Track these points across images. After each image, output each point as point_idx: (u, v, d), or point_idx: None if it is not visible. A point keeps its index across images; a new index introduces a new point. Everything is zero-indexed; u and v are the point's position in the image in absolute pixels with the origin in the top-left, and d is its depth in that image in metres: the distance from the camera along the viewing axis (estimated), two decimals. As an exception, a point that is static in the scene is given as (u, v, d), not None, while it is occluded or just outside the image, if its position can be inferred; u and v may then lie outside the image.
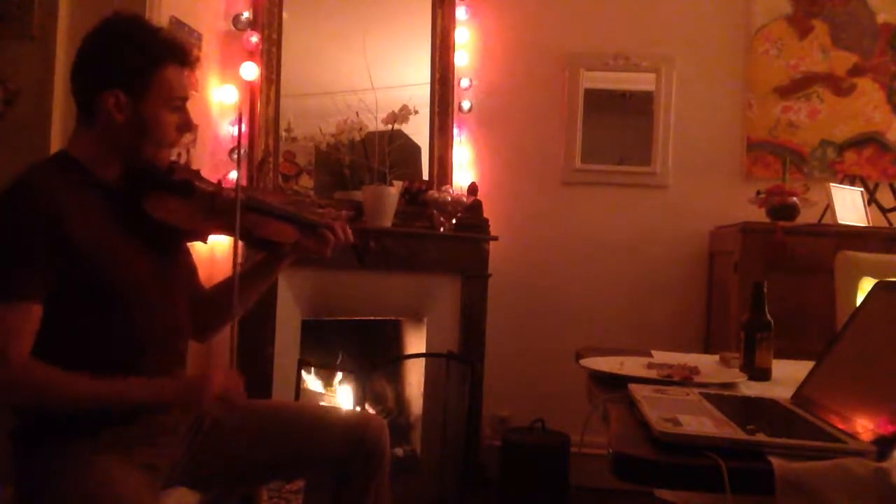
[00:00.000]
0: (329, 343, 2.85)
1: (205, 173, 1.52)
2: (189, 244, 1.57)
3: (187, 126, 1.41)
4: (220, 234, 1.50)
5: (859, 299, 1.89)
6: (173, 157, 1.51)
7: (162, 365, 1.39)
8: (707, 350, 2.92)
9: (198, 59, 1.43)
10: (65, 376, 1.21)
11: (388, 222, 2.67)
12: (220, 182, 1.51)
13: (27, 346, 1.20)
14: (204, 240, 1.48)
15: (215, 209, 1.43)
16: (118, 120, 1.32)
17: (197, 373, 1.45)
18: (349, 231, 1.58)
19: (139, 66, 1.32)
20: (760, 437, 0.94)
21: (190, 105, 1.42)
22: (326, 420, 1.60)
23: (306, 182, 2.82)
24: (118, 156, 1.36)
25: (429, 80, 3.11)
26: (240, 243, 1.43)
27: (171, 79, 1.35)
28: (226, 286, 1.62)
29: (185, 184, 1.41)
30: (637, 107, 3.31)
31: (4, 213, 1.23)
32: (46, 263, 1.22)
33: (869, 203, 3.02)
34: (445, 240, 2.86)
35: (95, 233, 1.28)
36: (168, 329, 1.41)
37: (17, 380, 1.19)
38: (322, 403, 2.82)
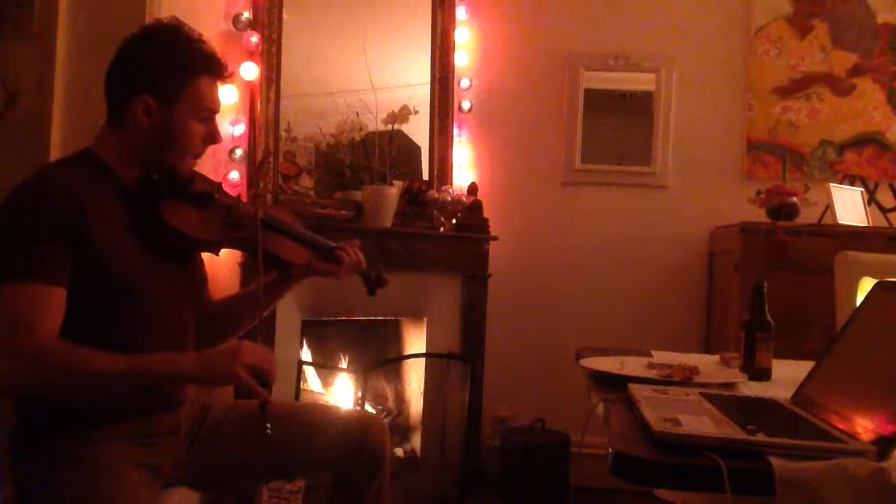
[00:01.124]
0: (329, 343, 2.85)
1: (204, 173, 1.52)
2: (202, 254, 1.56)
3: (213, 138, 1.42)
4: (233, 248, 1.50)
5: (859, 299, 1.89)
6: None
7: None
8: (707, 350, 2.92)
9: (232, 74, 1.43)
10: (91, 352, 1.20)
11: (388, 222, 2.67)
12: (238, 196, 1.51)
13: (55, 326, 1.20)
14: (216, 252, 1.48)
15: (231, 223, 1.43)
16: (146, 124, 1.33)
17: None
18: (361, 256, 1.59)
19: (173, 73, 1.34)
20: (760, 437, 0.94)
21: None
22: (327, 420, 1.60)
23: (306, 182, 2.82)
24: (142, 160, 1.37)
25: (429, 80, 3.11)
26: (248, 256, 1.42)
27: (203, 90, 1.36)
28: (234, 300, 1.63)
29: (204, 194, 1.41)
30: (637, 107, 3.31)
31: (28, 201, 1.24)
32: (67, 252, 1.22)
33: (869, 203, 3.02)
34: (445, 240, 2.86)
35: (110, 230, 1.28)
36: (172, 334, 1.41)
37: (47, 356, 1.18)
38: (322, 403, 2.82)
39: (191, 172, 1.43)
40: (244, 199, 1.75)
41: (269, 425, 1.30)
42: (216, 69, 1.39)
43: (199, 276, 1.55)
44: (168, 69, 1.33)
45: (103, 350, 1.21)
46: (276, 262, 1.49)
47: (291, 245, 1.51)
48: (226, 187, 1.62)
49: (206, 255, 1.55)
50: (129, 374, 1.22)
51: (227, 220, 1.43)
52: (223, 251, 1.52)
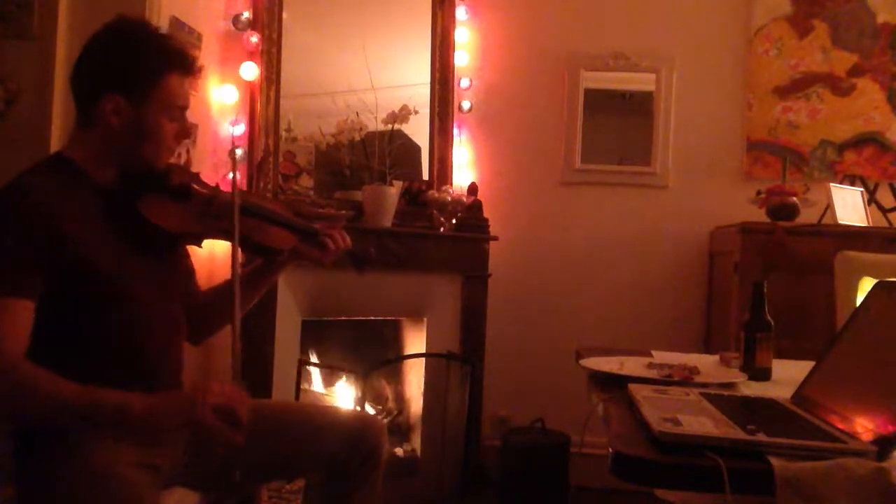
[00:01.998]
0: (329, 343, 2.85)
1: (205, 173, 1.52)
2: (187, 247, 1.56)
3: (185, 134, 1.41)
4: (216, 238, 1.49)
5: (859, 299, 1.89)
6: (172, 158, 1.50)
7: (160, 369, 1.38)
8: (707, 350, 2.92)
9: (201, 68, 1.42)
10: (56, 380, 1.17)
11: (388, 222, 2.67)
12: (217, 185, 1.50)
13: (22, 343, 1.19)
14: (199, 244, 1.47)
15: (211, 213, 1.41)
16: (116, 124, 1.31)
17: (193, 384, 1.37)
18: (347, 237, 1.57)
19: (143, 72, 1.32)
20: (760, 437, 0.94)
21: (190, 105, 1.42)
22: (326, 420, 1.60)
23: (306, 182, 2.82)
24: (115, 159, 1.35)
25: (429, 80, 3.11)
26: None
27: (174, 87, 1.34)
28: (222, 289, 1.61)
29: (182, 187, 1.40)
30: (637, 107, 3.31)
31: (0, 216, 1.22)
32: (40, 263, 1.21)
33: (869, 203, 3.02)
34: (445, 240, 2.86)
35: (90, 234, 1.28)
36: (163, 330, 1.40)
37: (9, 377, 1.17)
38: (322, 403, 2.82)
39: (166, 166, 1.41)
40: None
41: (238, 472, 1.26)
42: (186, 66, 1.36)
43: (185, 269, 1.54)
44: (137, 68, 1.31)
45: (66, 378, 1.18)
46: (260, 248, 1.48)
47: (275, 230, 1.49)
48: (224, 188, 1.61)
49: (204, 251, 1.55)
50: (77, 405, 1.18)
51: (207, 211, 1.41)
52: (221, 247, 1.51)
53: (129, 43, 1.33)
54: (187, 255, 1.56)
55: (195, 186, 1.43)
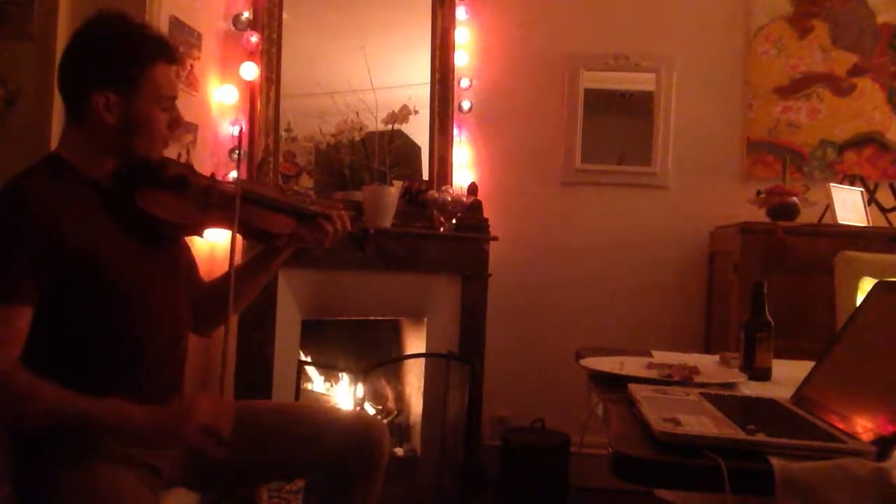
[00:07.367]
0: (329, 343, 2.85)
1: (205, 173, 1.52)
2: (188, 239, 1.56)
3: (177, 122, 1.40)
4: (217, 227, 1.49)
5: (859, 299, 1.89)
6: (171, 157, 1.50)
7: (164, 361, 1.39)
8: (707, 350, 2.92)
9: (183, 55, 1.41)
10: (48, 388, 1.17)
11: (388, 222, 2.67)
12: (213, 175, 1.50)
13: (16, 350, 1.19)
14: (200, 234, 1.47)
15: (210, 203, 1.42)
16: (109, 121, 1.31)
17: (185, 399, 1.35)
18: (346, 220, 1.57)
19: (129, 65, 1.31)
20: (760, 437, 0.94)
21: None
22: (327, 421, 1.60)
23: (306, 182, 2.82)
24: (110, 155, 1.35)
25: (429, 80, 3.11)
26: (239, 236, 1.41)
27: (160, 77, 1.34)
28: (225, 280, 1.62)
29: (179, 178, 1.40)
30: (637, 107, 3.31)
31: None
32: (38, 268, 1.20)
33: (869, 203, 3.02)
34: (445, 240, 2.86)
35: (91, 232, 1.28)
36: (169, 324, 1.41)
37: (4, 386, 1.17)
38: (323, 404, 2.82)
39: (161, 158, 1.41)
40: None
41: (223, 448, 1.26)
42: (169, 54, 1.36)
43: (187, 260, 1.55)
44: (124, 60, 1.31)
45: (63, 385, 1.18)
46: (260, 234, 1.49)
47: (274, 216, 1.50)
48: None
49: (205, 243, 1.54)
50: (78, 416, 1.19)
51: (205, 200, 1.42)
52: (222, 239, 1.50)
53: (112, 37, 1.32)
54: (188, 248, 1.56)
55: (191, 177, 1.43)
